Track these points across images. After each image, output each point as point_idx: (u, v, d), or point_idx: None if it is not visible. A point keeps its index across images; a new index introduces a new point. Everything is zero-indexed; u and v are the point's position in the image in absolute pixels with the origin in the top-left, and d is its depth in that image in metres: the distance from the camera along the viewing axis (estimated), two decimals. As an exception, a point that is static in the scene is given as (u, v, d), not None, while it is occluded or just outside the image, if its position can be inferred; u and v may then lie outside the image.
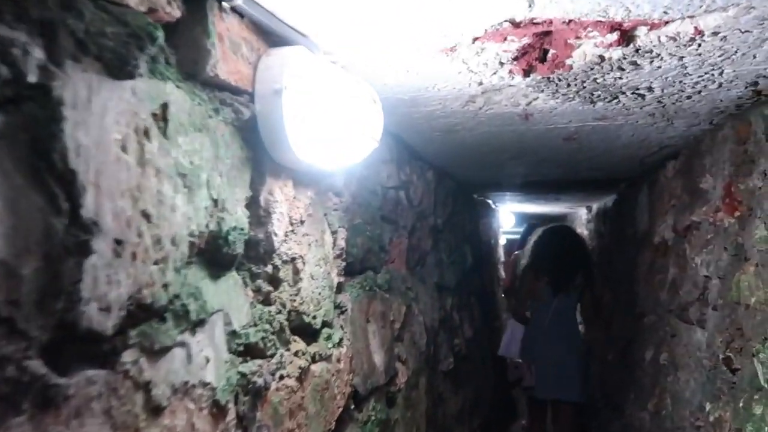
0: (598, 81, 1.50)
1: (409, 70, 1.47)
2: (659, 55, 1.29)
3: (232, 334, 0.95)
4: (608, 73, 1.44)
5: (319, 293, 1.29)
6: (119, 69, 0.76)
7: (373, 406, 1.59)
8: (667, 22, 1.10)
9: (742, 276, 1.58)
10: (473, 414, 3.13)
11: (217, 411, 0.88)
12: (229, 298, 0.95)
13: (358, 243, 1.64)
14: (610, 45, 1.26)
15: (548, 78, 1.50)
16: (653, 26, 1.14)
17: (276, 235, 1.11)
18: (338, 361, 1.37)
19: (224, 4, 0.98)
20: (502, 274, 6.03)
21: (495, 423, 4.15)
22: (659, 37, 1.19)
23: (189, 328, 0.83)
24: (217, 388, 0.88)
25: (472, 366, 3.25)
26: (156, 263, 0.77)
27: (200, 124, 0.93)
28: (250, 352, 0.99)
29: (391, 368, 1.78)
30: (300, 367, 1.16)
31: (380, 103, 1.32)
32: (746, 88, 1.50)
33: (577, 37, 1.25)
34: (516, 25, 1.18)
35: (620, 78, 1.47)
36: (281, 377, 1.08)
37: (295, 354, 1.15)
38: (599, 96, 1.64)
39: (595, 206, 5.07)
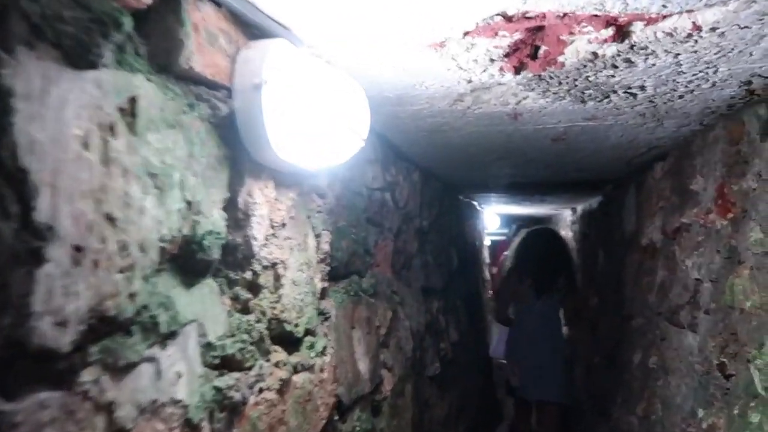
0: (590, 79, 1.46)
1: (396, 67, 1.41)
2: (654, 52, 1.25)
3: (208, 346, 0.88)
4: (601, 71, 1.39)
5: (302, 300, 1.23)
6: (80, 58, 0.69)
7: (357, 416, 1.53)
8: (665, 17, 1.06)
9: (736, 279, 1.55)
10: (459, 419, 3.08)
11: (190, 431, 0.82)
12: (205, 308, 0.89)
13: (343, 246, 1.58)
14: (605, 41, 1.21)
15: (539, 76, 1.45)
16: (650, 21, 1.09)
17: (255, 239, 1.05)
18: (321, 370, 1.31)
19: (200, -9, 0.92)
20: (489, 276, 6.01)
21: (481, 426, 4.11)
22: (655, 33, 1.14)
23: (158, 341, 0.76)
24: (189, 406, 0.81)
25: (458, 370, 3.20)
26: (121, 271, 0.70)
27: (173, 120, 0.87)
28: (226, 364, 0.92)
29: (376, 376, 1.72)
30: (281, 379, 1.09)
31: (367, 101, 1.26)
32: (739, 87, 1.46)
33: (571, 33, 1.20)
34: (508, 19, 1.13)
35: (613, 76, 1.43)
36: (260, 390, 1.01)
37: (276, 365, 1.09)
38: (590, 95, 1.60)
39: (579, 207, 5.06)
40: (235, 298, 0.98)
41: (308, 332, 1.26)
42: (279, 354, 1.11)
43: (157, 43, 0.86)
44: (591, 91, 1.56)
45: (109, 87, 0.74)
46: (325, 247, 1.40)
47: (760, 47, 1.20)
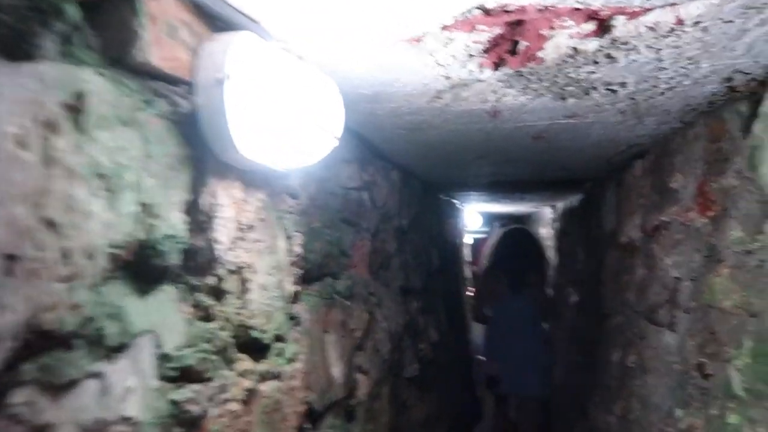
0: (570, 75, 1.42)
1: (371, 62, 1.36)
2: (636, 47, 1.21)
3: (164, 358, 0.82)
4: (582, 67, 1.36)
5: (271, 305, 1.18)
6: (16, 49, 0.63)
7: (330, 422, 1.48)
8: (647, 10, 1.03)
9: (716, 278, 1.53)
10: (439, 420, 3.05)
11: (144, 449, 0.76)
12: (161, 317, 0.83)
13: (316, 248, 1.53)
14: (586, 36, 1.17)
15: (519, 72, 1.42)
16: (632, 15, 1.06)
17: (220, 242, 0.99)
18: (291, 378, 1.26)
19: (156, -22, 0.86)
20: (470, 274, 5.99)
21: (461, 426, 4.09)
22: (637, 27, 1.11)
23: (106, 355, 0.70)
24: (142, 423, 0.76)
25: (438, 370, 3.17)
26: (63, 281, 0.64)
27: (127, 117, 0.81)
28: (185, 376, 0.87)
29: (351, 380, 1.67)
30: (246, 389, 1.04)
31: (341, 98, 1.21)
32: (721, 84, 1.44)
33: (551, 28, 1.16)
34: (487, 12, 1.09)
35: (594, 72, 1.39)
36: (223, 402, 0.96)
37: (242, 374, 1.03)
38: (571, 92, 1.56)
39: (560, 205, 5.07)
40: (196, 305, 0.93)
41: (278, 338, 1.20)
42: (245, 362, 1.06)
43: (111, 35, 0.80)
44: (571, 88, 1.53)
45: (52, 81, 0.68)
46: (297, 249, 1.35)
47: (743, 42, 1.17)
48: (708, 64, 1.31)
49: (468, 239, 7.00)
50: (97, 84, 0.76)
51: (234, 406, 0.99)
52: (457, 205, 5.42)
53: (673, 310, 1.84)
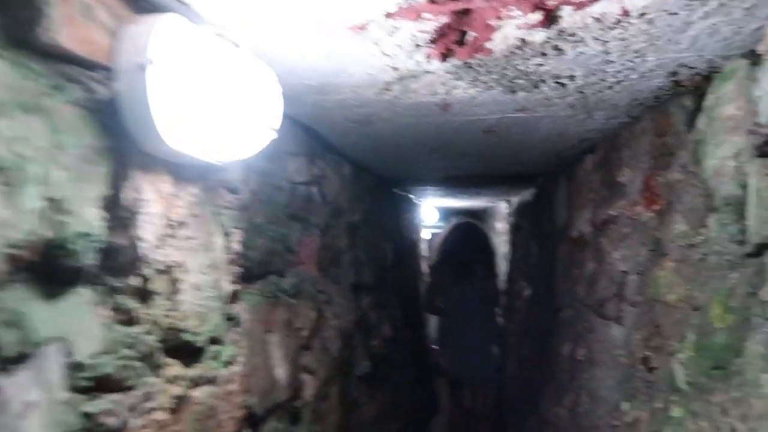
0: (519, 68, 1.40)
1: (315, 52, 1.31)
2: (583, 39, 1.20)
3: (76, 367, 0.75)
4: (530, 59, 1.34)
5: (206, 305, 1.11)
6: None
7: (273, 426, 1.42)
8: (594, 1, 1.00)
9: (660, 272, 1.54)
10: (391, 416, 3.02)
11: (50, 470, 0.69)
12: (73, 322, 0.76)
13: (259, 245, 1.47)
14: (533, 26, 1.15)
15: (468, 64, 1.38)
16: (579, 5, 1.03)
17: (145, 240, 0.92)
18: (228, 381, 1.19)
19: (64, -50, 0.78)
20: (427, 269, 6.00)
21: (416, 421, 4.08)
22: (584, 18, 1.09)
23: (1, 367, 0.63)
24: (47, 441, 0.69)
25: (391, 366, 3.14)
26: (-55, 287, 0.57)
27: (31, 103, 0.73)
28: (102, 386, 0.80)
29: (296, 381, 1.61)
30: (176, 396, 0.97)
31: (280, 87, 1.14)
32: (666, 78, 1.44)
33: (498, 18, 1.13)
34: (432, 0, 1.05)
35: (542, 65, 1.37)
36: (148, 411, 0.89)
37: (170, 381, 0.97)
38: (520, 85, 1.54)
39: (514, 200, 5.11)
40: (117, 309, 0.86)
41: (213, 341, 1.14)
42: (174, 368, 0.99)
43: (14, 14, 0.72)
44: (521, 81, 1.51)
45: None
46: (236, 246, 1.28)
47: (687, 35, 1.16)
48: (654, 58, 1.31)
49: (425, 234, 7.01)
50: (-7, 66, 0.68)
51: (161, 415, 0.93)
52: (414, 200, 5.40)
53: (620, 304, 1.85)
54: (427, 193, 5.17)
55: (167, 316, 0.97)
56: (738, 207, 1.13)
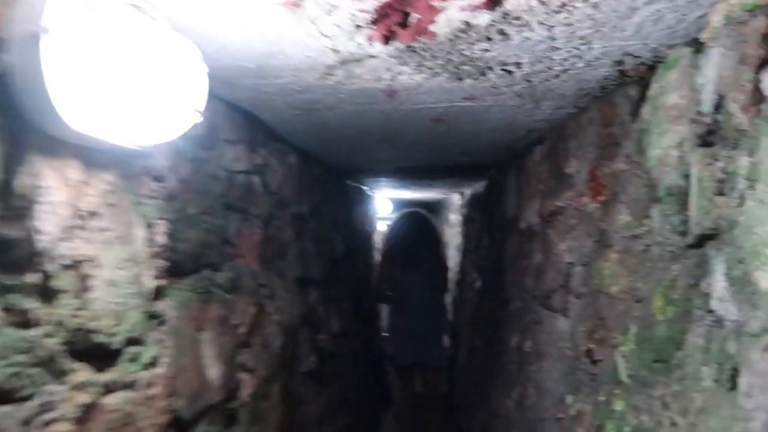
0: (465, 53, 1.35)
1: (248, 30, 1.22)
2: (528, 23, 1.16)
3: (-48, 379, 0.66)
4: (475, 44, 1.29)
5: (123, 303, 1.02)
6: None
7: (204, 430, 1.34)
8: (536, -20, 0.96)
9: (604, 263, 1.52)
10: (339, 413, 2.97)
11: None
12: (-51, 326, 0.66)
13: (191, 237, 1.37)
14: (477, 8, 1.10)
15: (412, 48, 1.33)
16: (521, -15, 0.99)
17: (45, 232, 0.82)
18: (149, 385, 1.11)
19: None
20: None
21: (367, 416, 4.04)
22: (528, 1, 1.05)
23: None
24: None
25: (340, 361, 3.08)
26: None
27: None
28: (-13, 399, 0.71)
29: (232, 381, 1.53)
30: (83, 404, 0.88)
31: (205, 67, 1.06)
32: (612, 67, 1.42)
33: (441, -1, 1.07)
34: (369, -25, 0.98)
35: (488, 50, 1.33)
36: (47, 423, 0.80)
37: (77, 387, 0.88)
38: (467, 71, 1.50)
39: (467, 192, 5.12)
40: (9, 309, 0.76)
41: (131, 341, 1.05)
42: (82, 373, 0.90)
43: None
44: (467, 67, 1.46)
45: None
46: (161, 238, 1.19)
47: (632, 22, 1.14)
48: (599, 45, 1.28)
49: (380, 226, 6.95)
50: None
51: (63, 427, 0.83)
52: (367, 192, 5.34)
53: (566, 296, 1.84)
54: (381, 184, 5.12)
55: (75, 316, 0.88)
56: (681, 197, 1.12)
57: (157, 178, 1.20)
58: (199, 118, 1.01)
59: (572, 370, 1.68)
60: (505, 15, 1.13)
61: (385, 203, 6.65)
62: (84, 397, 0.89)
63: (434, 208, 7.47)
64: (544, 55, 1.35)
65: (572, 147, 1.87)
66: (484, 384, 3.21)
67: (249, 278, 1.80)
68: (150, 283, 1.14)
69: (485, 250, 3.83)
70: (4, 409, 0.72)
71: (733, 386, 0.83)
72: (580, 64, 1.42)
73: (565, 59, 1.38)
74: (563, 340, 1.81)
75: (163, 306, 1.20)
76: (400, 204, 7.05)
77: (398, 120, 2.09)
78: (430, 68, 1.47)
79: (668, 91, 1.22)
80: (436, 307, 3.91)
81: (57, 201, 0.86)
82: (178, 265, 1.30)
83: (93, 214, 0.95)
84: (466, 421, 3.82)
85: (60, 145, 0.87)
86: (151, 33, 0.94)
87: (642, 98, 1.38)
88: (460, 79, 1.56)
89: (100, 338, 0.94)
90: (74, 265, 0.89)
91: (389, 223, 5.12)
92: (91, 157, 0.95)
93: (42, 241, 0.82)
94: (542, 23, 1.16)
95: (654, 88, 1.30)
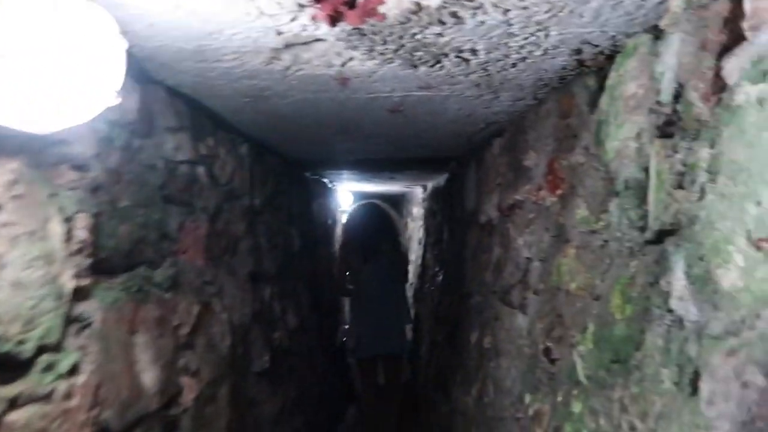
0: (417, 38, 1.28)
1: (180, 7, 1.12)
2: (482, 5, 1.09)
3: None
4: (428, 28, 1.22)
5: (34, 307, 0.91)
6: None
7: (138, 441, 1.24)
8: (487, -46, 0.89)
9: (562, 259, 1.48)
10: (296, 411, 2.88)
11: None
12: None
13: (122, 232, 1.26)
14: (426, -13, 1.02)
15: (360, 30, 1.24)
16: (472, -41, 0.91)
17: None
18: (68, 397, 1.00)
19: None
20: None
21: (329, 412, 3.96)
22: (480, -21, 0.98)
23: None
24: None
25: (297, 358, 2.99)
26: None
27: None
28: None
29: (171, 386, 1.43)
30: (-23, 426, 0.78)
31: (124, 42, 0.95)
32: (570, 56, 1.37)
33: (388, -26, 1.00)
34: (308, -55, 0.90)
35: (441, 35, 1.26)
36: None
37: (-30, 406, 0.77)
38: (421, 58, 1.42)
39: (429, 185, 5.07)
40: None
41: (45, 349, 0.94)
42: (-22, 389, 0.79)
43: None
44: (421, 53, 1.39)
45: None
46: (84, 234, 1.08)
47: (590, 7, 1.08)
48: (557, 32, 1.23)
49: (342, 219, 6.86)
50: None
51: (-49, 452, 0.73)
52: (328, 185, 5.24)
53: (524, 292, 1.79)
54: (342, 177, 5.02)
55: (-31, 322, 0.77)
56: (639, 191, 1.07)
57: (79, 168, 1.09)
58: (115, 100, 0.91)
59: (531, 368, 1.64)
60: (458, -5, 1.06)
61: (347, 196, 6.56)
62: (-22, 416, 0.78)
63: (397, 201, 7.42)
64: (500, 42, 1.29)
65: (531, 139, 1.82)
66: (445, 379, 3.17)
67: (193, 275, 1.69)
68: (68, 283, 1.03)
69: (446, 244, 3.79)
70: None
71: (695, 391, 0.78)
72: (538, 53, 1.36)
73: (522, 47, 1.32)
74: (522, 337, 1.77)
75: (86, 308, 1.09)
76: (362, 197, 6.97)
77: (354, 110, 2.01)
78: (381, 54, 1.39)
79: (627, 80, 1.18)
80: (397, 298, 3.87)
81: (-55, 192, 0.75)
82: (106, 262, 1.19)
83: (-6, 208, 0.84)
84: (427, 416, 3.79)
85: (-51, 129, 0.76)
86: (57, 1, 0.83)
87: (601, 88, 1.34)
88: (414, 66, 1.49)
89: (6, 347, 0.84)
90: (-31, 265, 0.78)
91: (346, 215, 5.07)
92: (-7, 143, 0.84)
93: (-77, 239, 0.71)
94: (496, 5, 1.09)
95: (612, 78, 1.25)
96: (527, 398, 1.61)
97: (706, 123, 0.89)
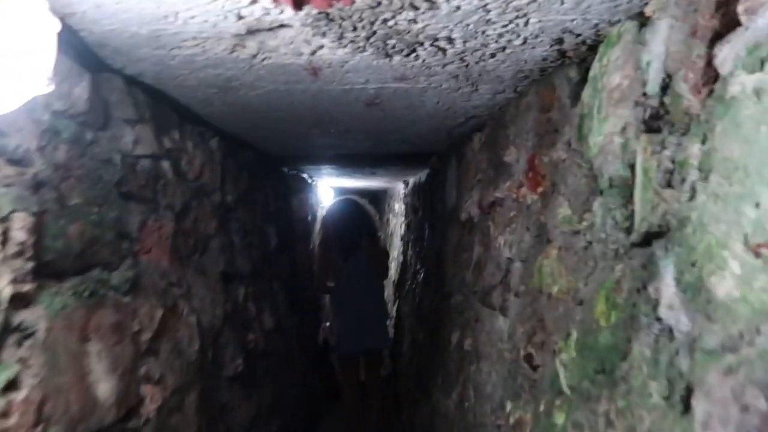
0: (389, 24, 1.20)
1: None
2: (456, -13, 1.01)
3: None
4: (399, 13, 1.13)
5: (-42, 318, 0.81)
6: None
7: (89, 459, 1.15)
8: (461, -73, 0.81)
9: (544, 260, 1.41)
10: (272, 416, 2.79)
11: None
12: None
13: (72, 232, 1.17)
14: (395, -34, 0.94)
15: (328, 15, 1.16)
16: (445, -65, 0.84)
17: None
18: (5, 415, 0.91)
19: None
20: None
21: (307, 414, 3.88)
22: (453, -43, 0.90)
23: None
24: None
25: (273, 360, 2.89)
26: None
27: None
28: None
29: (131, 397, 1.34)
30: None
31: (57, 22, 0.85)
32: (551, 46, 1.30)
33: (353, -49, 0.91)
34: None
35: (415, 21, 1.18)
36: None
37: None
38: (394, 47, 1.34)
39: (411, 180, 5.00)
40: None
41: (-28, 365, 0.85)
42: None
43: None
44: (394, 42, 1.31)
45: None
46: (21, 235, 0.98)
47: (572, -9, 1.01)
48: (537, 20, 1.15)
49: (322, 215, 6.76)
50: None
51: None
52: (307, 180, 5.14)
53: (505, 293, 1.73)
54: (321, 172, 4.93)
55: None
56: (624, 190, 1.00)
57: (16, 162, 0.99)
58: (47, 87, 0.81)
59: (512, 374, 1.57)
60: (431, -23, 0.98)
61: (327, 192, 6.46)
62: None
63: (379, 196, 7.35)
64: (477, 30, 1.22)
65: (511, 134, 1.74)
66: (427, 379, 3.10)
67: (156, 276, 1.59)
68: (6, 289, 0.93)
69: (427, 241, 3.72)
70: None
71: (687, 409, 0.71)
72: (517, 42, 1.29)
73: (500, 35, 1.25)
74: (502, 341, 1.70)
75: (28, 316, 1.00)
76: (343, 192, 6.88)
77: (328, 103, 1.92)
78: (352, 41, 1.31)
79: (611, 71, 1.10)
80: (378, 294, 3.82)
81: None
82: (52, 265, 1.10)
83: None
84: (410, 415, 3.72)
85: None
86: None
87: (583, 80, 1.27)
88: (388, 55, 1.40)
89: None
90: None
91: (323, 212, 4.99)
92: None
93: None
94: (473, -12, 1.01)
95: (595, 68, 1.18)
96: (508, 405, 1.55)
97: (696, 116, 0.82)
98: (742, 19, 0.74)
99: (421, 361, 3.43)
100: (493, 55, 1.39)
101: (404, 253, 4.97)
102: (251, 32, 1.26)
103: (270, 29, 1.26)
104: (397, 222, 6.10)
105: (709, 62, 0.80)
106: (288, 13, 1.14)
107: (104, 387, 1.24)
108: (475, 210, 2.25)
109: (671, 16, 0.89)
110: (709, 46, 0.80)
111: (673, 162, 0.85)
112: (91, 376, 1.20)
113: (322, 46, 1.35)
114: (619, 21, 1.14)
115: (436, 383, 2.81)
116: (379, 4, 1.09)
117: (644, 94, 0.97)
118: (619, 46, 1.07)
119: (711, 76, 0.80)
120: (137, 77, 1.56)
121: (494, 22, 1.17)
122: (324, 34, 1.27)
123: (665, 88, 0.91)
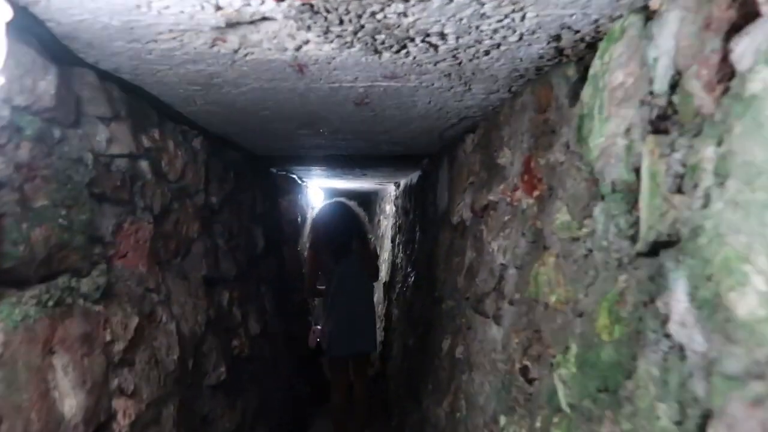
0: (378, 17, 1.13)
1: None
2: (449, -23, 0.94)
3: None
4: (388, 5, 1.06)
5: None
6: None
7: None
8: None
9: (540, 268, 1.34)
10: (257, 423, 2.71)
11: None
12: None
13: (36, 236, 1.09)
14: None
15: (312, 7, 1.09)
16: None
17: None
18: (-49, 441, 0.83)
19: None
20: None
21: (295, 419, 3.80)
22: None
23: None
24: None
25: (259, 366, 2.81)
26: None
27: None
28: None
29: (102, 412, 1.25)
30: None
31: (8, 7, 0.77)
32: (548, 43, 1.23)
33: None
34: None
35: (405, 15, 1.11)
36: None
37: None
38: (384, 42, 1.27)
39: (402, 182, 4.93)
40: None
41: None
42: None
43: None
44: (383, 37, 1.24)
45: None
46: (-25, 241, 0.90)
47: (573, -18, 0.94)
48: (534, 14, 1.09)
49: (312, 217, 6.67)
50: None
51: None
52: (297, 181, 5.06)
53: (498, 301, 1.66)
54: (311, 173, 4.85)
55: None
56: (629, 195, 0.93)
57: (-29, 163, 0.91)
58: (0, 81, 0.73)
59: (506, 386, 1.50)
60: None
61: (318, 193, 6.38)
62: None
63: (370, 198, 7.27)
64: (471, 24, 1.15)
65: (505, 135, 1.68)
66: (417, 385, 3.03)
67: (132, 282, 1.51)
68: (-46, 302, 0.85)
69: (418, 244, 3.65)
70: None
71: (701, 439, 0.65)
72: (513, 39, 1.22)
73: (495, 31, 1.18)
74: (496, 351, 1.63)
75: (-20, 330, 0.92)
76: (334, 194, 6.80)
77: (316, 102, 1.85)
78: (339, 36, 1.23)
79: (613, 68, 1.04)
80: (368, 296, 3.77)
81: None
82: (12, 272, 1.02)
83: None
84: (400, 421, 3.65)
85: None
86: None
87: (582, 79, 1.20)
88: (378, 51, 1.33)
89: None
90: None
91: (313, 215, 4.91)
92: None
93: None
94: (467, -22, 0.95)
95: (596, 66, 1.11)
96: (502, 419, 1.48)
97: (710, 116, 0.75)
98: (763, 9, 0.68)
99: (412, 366, 3.36)
100: (487, 53, 1.32)
101: (395, 255, 4.90)
102: (231, 25, 1.19)
103: (251, 22, 1.18)
104: (387, 224, 6.03)
105: (725, 57, 0.74)
106: (270, 4, 1.07)
107: (70, 403, 1.15)
108: (467, 213, 2.18)
109: (682, 7, 0.83)
110: (725, 39, 0.74)
111: (683, 166, 0.78)
112: (55, 391, 1.11)
113: (307, 41, 1.28)
114: (620, 16, 1.07)
115: (426, 390, 2.74)
116: (367, -5, 1.02)
117: (651, 93, 0.90)
118: (622, 41, 1.01)
119: (727, 73, 0.74)
120: (113, 72, 1.48)
121: (489, 17, 1.11)
122: (309, 28, 1.19)
123: (674, 85, 0.84)
